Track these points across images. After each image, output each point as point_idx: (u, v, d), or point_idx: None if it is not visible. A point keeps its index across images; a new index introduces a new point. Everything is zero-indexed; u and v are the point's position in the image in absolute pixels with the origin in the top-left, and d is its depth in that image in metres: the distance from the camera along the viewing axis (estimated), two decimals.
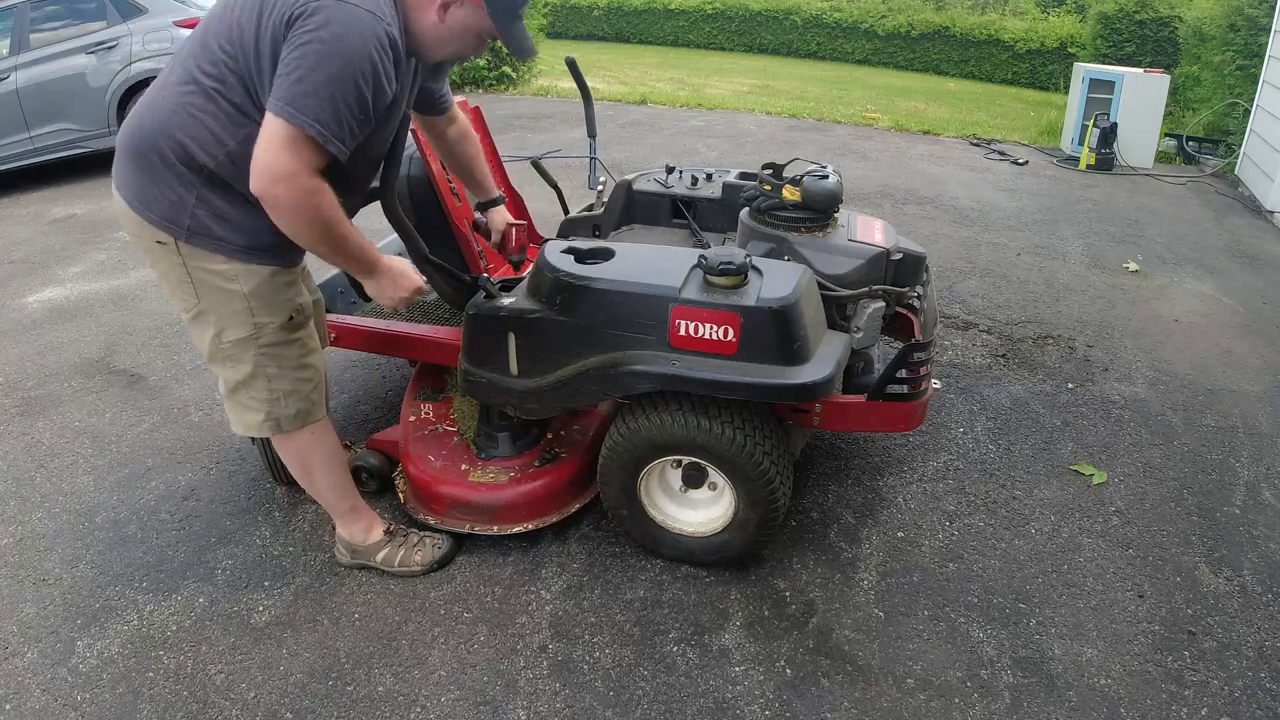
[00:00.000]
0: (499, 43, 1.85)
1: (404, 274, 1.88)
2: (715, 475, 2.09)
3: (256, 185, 1.59)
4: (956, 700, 1.85)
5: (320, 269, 2.36)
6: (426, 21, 1.74)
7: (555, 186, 3.05)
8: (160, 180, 1.70)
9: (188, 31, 5.93)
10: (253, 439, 2.54)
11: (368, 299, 2.66)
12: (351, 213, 2.04)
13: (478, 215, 2.40)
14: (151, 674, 1.91)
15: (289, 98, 1.54)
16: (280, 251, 1.82)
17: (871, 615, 2.09)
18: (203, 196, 1.71)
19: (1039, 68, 12.82)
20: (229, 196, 1.72)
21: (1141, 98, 6.68)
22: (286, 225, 1.65)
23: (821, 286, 2.13)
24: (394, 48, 1.63)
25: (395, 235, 2.57)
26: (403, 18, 1.69)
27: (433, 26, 1.74)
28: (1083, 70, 7.22)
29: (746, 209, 2.42)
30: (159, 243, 1.75)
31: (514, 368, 2.07)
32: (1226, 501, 2.55)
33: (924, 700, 1.85)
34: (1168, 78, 6.90)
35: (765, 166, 2.42)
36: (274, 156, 1.55)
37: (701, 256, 1.94)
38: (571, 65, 2.97)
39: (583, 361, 1.99)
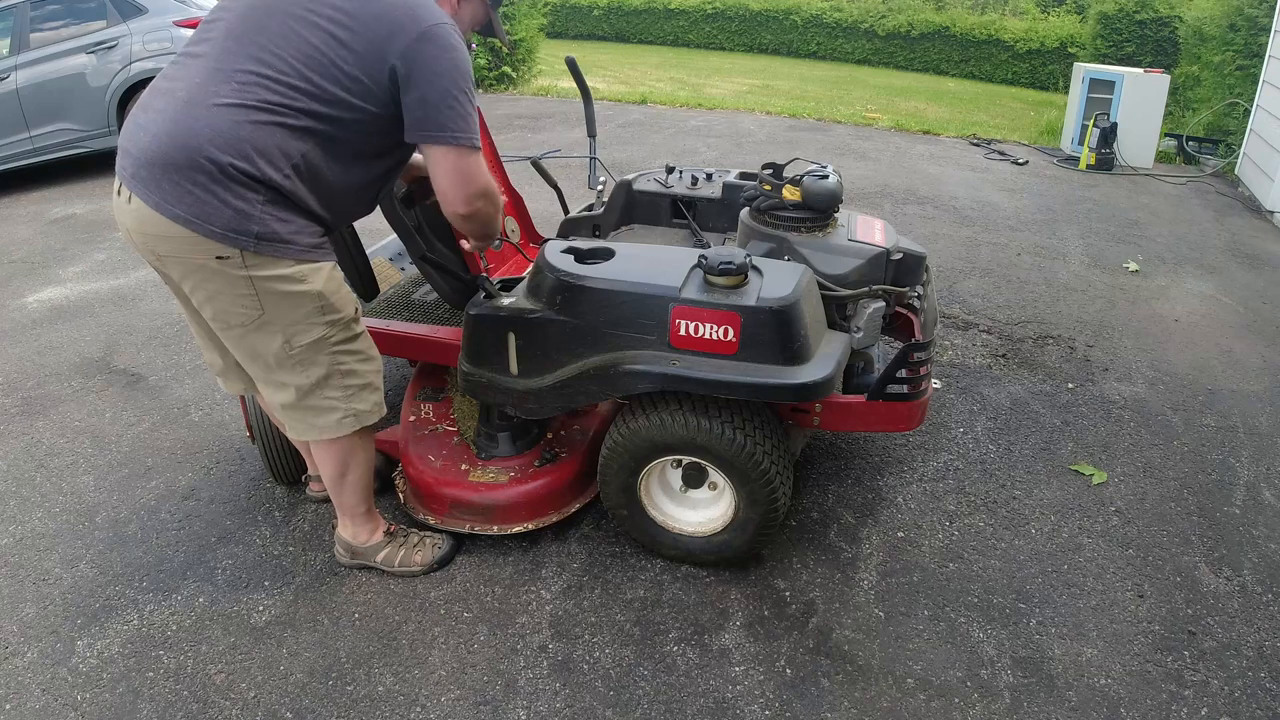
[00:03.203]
0: (478, 33, 2.02)
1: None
2: (715, 475, 2.09)
3: (460, 210, 1.81)
4: (956, 700, 1.85)
5: None
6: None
7: (555, 186, 3.05)
8: (221, 191, 1.63)
9: (188, 31, 5.98)
10: (252, 438, 2.54)
11: (368, 299, 2.66)
12: (362, 214, 2.04)
13: None
14: (151, 674, 1.91)
15: (455, 127, 1.71)
16: (328, 248, 1.85)
17: (871, 615, 2.09)
18: (269, 200, 1.68)
19: (1039, 68, 12.82)
20: (287, 203, 1.72)
21: (1141, 98, 6.68)
22: (479, 227, 1.90)
23: (821, 286, 2.13)
24: None
25: (395, 235, 2.57)
26: None
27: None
28: (1083, 70, 7.22)
29: (746, 209, 2.42)
30: (220, 258, 1.67)
31: (514, 368, 2.07)
32: (1226, 501, 2.55)
33: (924, 700, 1.86)
34: (1168, 78, 6.90)
35: (765, 166, 2.42)
36: (469, 184, 1.78)
37: (701, 256, 1.94)
38: (571, 65, 2.97)
39: (583, 361, 1.99)
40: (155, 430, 2.88)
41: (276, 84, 1.65)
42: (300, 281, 1.75)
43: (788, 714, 1.82)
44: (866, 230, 2.36)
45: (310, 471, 2.43)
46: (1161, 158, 7.11)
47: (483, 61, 9.79)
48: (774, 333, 1.86)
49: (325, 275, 1.80)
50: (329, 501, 2.38)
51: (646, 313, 1.90)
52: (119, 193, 1.73)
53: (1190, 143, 7.23)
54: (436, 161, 1.76)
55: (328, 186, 1.77)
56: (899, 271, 2.34)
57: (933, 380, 2.21)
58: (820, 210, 2.30)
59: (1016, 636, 2.03)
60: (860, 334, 2.18)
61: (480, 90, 9.81)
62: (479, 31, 2.02)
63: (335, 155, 1.74)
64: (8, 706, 1.83)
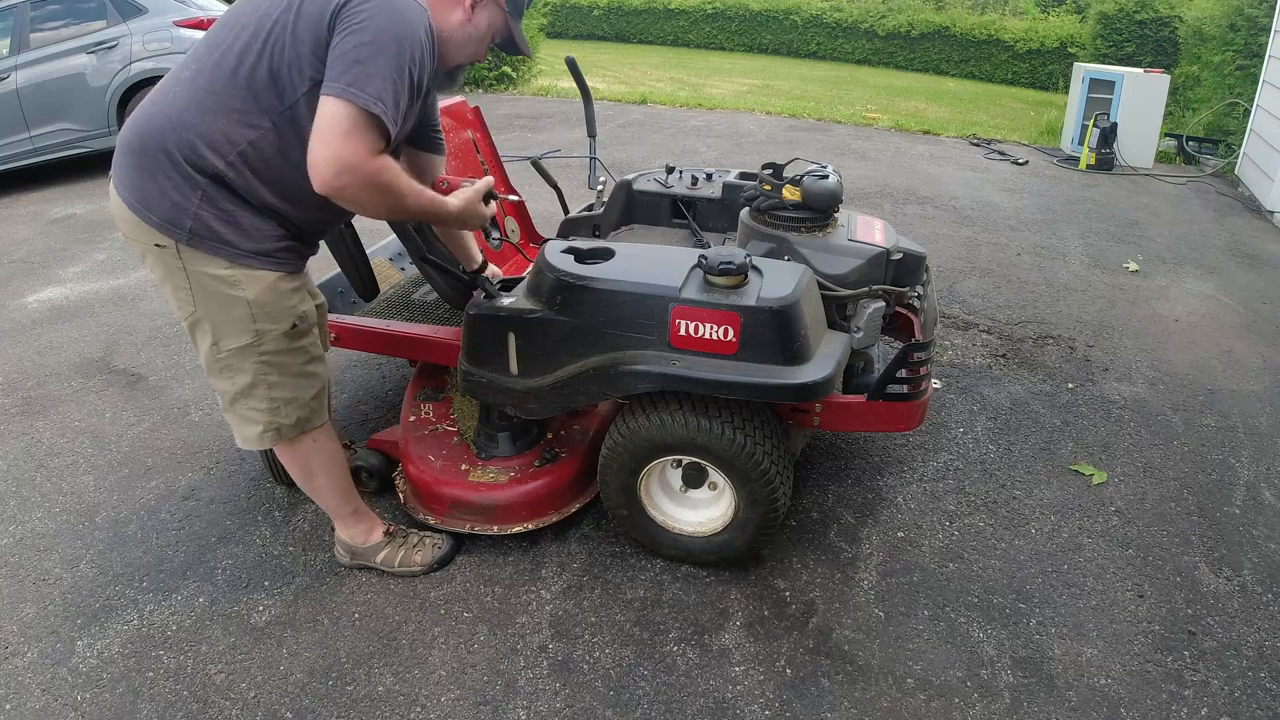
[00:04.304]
0: (497, 46, 1.90)
1: (472, 201, 1.88)
2: (715, 475, 2.09)
3: (320, 181, 1.55)
4: (956, 700, 1.85)
5: (320, 269, 2.36)
6: (453, 21, 1.75)
7: (555, 186, 3.05)
8: (164, 180, 1.65)
9: (188, 31, 5.99)
10: None
11: (368, 299, 2.66)
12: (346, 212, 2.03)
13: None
14: (151, 674, 1.91)
15: (350, 79, 1.52)
16: (287, 257, 1.79)
17: (871, 615, 2.09)
18: (208, 197, 1.66)
19: (1039, 68, 12.83)
20: (235, 200, 1.69)
21: (1141, 98, 6.68)
22: (358, 210, 1.68)
23: (821, 286, 2.13)
24: (432, 36, 1.65)
25: (395, 235, 2.57)
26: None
27: (459, 26, 1.76)
28: (1083, 70, 7.22)
29: (746, 209, 2.42)
30: (158, 245, 1.70)
31: (514, 368, 2.07)
32: (1226, 501, 2.55)
33: (924, 700, 1.86)
34: (1168, 78, 6.90)
35: (765, 166, 2.42)
36: (337, 147, 1.53)
37: (701, 256, 1.94)
38: (571, 65, 2.97)
39: (583, 361, 1.98)
40: (155, 430, 2.88)
41: (227, 63, 1.62)
42: (234, 286, 1.72)
43: (788, 714, 1.82)
44: (866, 230, 2.36)
45: None
46: (1161, 158, 7.11)
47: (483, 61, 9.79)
48: (774, 333, 1.86)
49: (263, 285, 1.75)
50: None
51: (646, 313, 1.90)
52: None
53: (1190, 143, 7.23)
54: (320, 115, 1.54)
55: (284, 176, 1.70)
56: (899, 271, 2.33)
57: (933, 380, 2.21)
58: (820, 210, 2.30)
59: (1016, 636, 2.03)
60: (860, 334, 2.18)
61: (480, 90, 9.81)
62: (500, 46, 1.90)
63: (292, 141, 1.66)
64: (8, 707, 1.83)
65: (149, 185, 1.66)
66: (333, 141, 1.53)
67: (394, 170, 1.65)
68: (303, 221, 1.81)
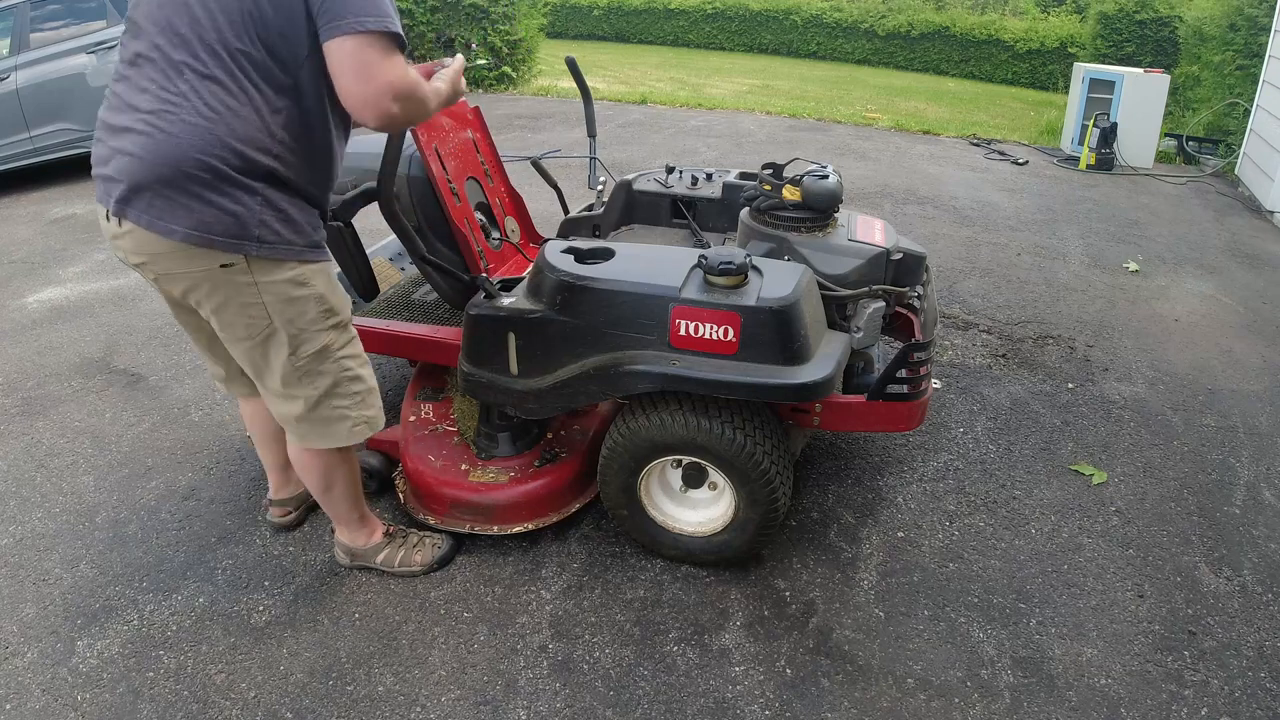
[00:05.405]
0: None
1: (456, 80, 1.82)
2: (715, 475, 2.10)
3: (378, 115, 1.52)
4: (956, 700, 1.86)
5: None
6: None
7: (555, 186, 3.05)
8: (216, 197, 1.57)
9: None
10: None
11: (367, 299, 2.67)
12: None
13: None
14: (151, 674, 1.91)
15: (355, 10, 1.48)
16: (325, 244, 1.80)
17: (871, 615, 2.09)
18: (267, 200, 1.62)
19: (1039, 68, 12.83)
20: (287, 194, 1.65)
21: (1141, 98, 6.68)
22: (398, 127, 1.71)
23: (821, 286, 2.13)
24: None
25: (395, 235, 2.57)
26: None
27: None
28: (1083, 70, 7.22)
29: (746, 209, 2.43)
30: (223, 266, 1.62)
31: (514, 368, 2.07)
32: (1226, 501, 2.55)
33: (924, 700, 1.86)
34: (1168, 78, 6.90)
35: (765, 166, 2.42)
36: (380, 79, 1.49)
37: (701, 256, 1.94)
38: (571, 65, 2.97)
39: (583, 361, 1.99)
40: (155, 430, 2.88)
41: (217, 60, 1.55)
42: (303, 285, 1.72)
43: (788, 714, 1.82)
44: (866, 230, 2.36)
45: (271, 495, 2.34)
46: (1161, 158, 7.11)
47: (483, 61, 9.80)
48: (774, 333, 1.86)
49: (325, 276, 1.77)
50: (289, 529, 2.35)
51: (646, 313, 1.90)
52: (107, 218, 1.68)
53: (1190, 143, 7.23)
54: (332, 56, 1.51)
55: (309, 149, 1.67)
56: (899, 271, 2.34)
57: (933, 380, 2.21)
58: (820, 210, 2.30)
59: (1016, 636, 2.03)
60: (860, 334, 2.18)
61: (480, 90, 9.81)
62: None
63: (303, 109, 1.62)
64: (8, 707, 1.83)
65: (200, 208, 1.57)
66: (374, 76, 1.50)
67: (420, 78, 1.63)
68: (320, 192, 1.76)
